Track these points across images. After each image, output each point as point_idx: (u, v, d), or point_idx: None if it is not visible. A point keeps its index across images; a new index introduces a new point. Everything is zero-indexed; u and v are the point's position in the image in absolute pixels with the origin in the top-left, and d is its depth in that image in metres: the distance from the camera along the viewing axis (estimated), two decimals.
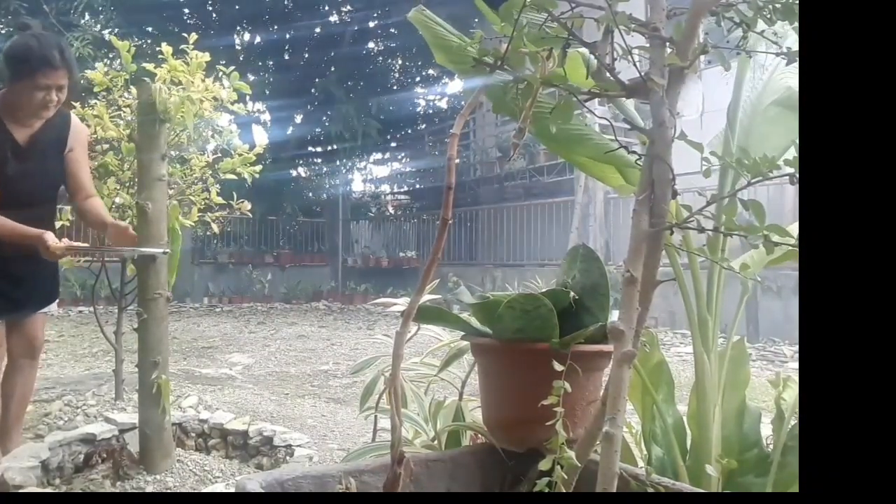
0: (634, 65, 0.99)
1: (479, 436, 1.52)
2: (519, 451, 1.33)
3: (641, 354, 1.51)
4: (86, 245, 2.41)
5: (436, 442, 1.66)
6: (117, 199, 3.30)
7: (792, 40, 1.27)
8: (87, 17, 12.01)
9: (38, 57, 2.34)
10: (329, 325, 9.69)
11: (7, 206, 2.34)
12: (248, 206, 3.39)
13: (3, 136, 2.41)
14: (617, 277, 1.24)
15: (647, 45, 0.98)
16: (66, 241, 2.36)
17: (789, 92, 1.54)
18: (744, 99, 1.61)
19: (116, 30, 11.24)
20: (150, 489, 2.16)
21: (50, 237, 2.28)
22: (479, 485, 1.34)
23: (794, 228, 0.96)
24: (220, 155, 3.31)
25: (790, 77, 1.56)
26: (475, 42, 1.07)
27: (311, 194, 15.89)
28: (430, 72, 16.13)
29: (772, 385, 1.62)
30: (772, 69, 1.61)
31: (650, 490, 1.16)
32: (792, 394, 1.59)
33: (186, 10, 13.45)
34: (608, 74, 1.00)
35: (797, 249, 0.85)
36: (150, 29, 12.45)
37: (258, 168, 3.30)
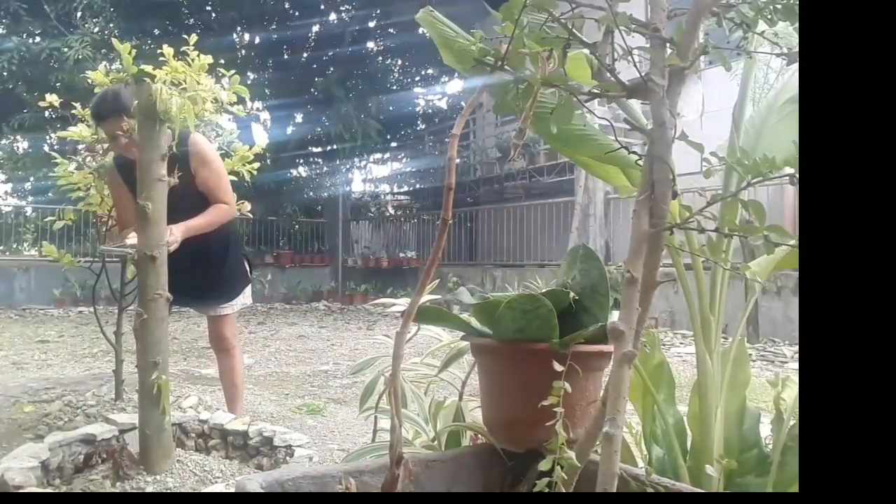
0: (635, 65, 0.99)
1: (480, 436, 1.51)
2: (519, 451, 1.33)
3: (642, 355, 1.51)
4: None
5: (436, 442, 1.65)
6: None
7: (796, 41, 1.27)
8: (87, 18, 12.03)
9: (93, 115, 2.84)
10: (329, 325, 9.69)
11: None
12: (248, 206, 3.38)
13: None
14: (617, 278, 1.24)
15: (648, 45, 0.98)
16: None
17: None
18: (757, 99, 1.61)
19: (117, 31, 11.26)
20: (150, 489, 2.16)
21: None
22: (479, 485, 1.34)
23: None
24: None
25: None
26: (476, 42, 1.07)
27: (311, 194, 15.89)
28: (430, 71, 16.13)
29: (770, 385, 1.62)
30: (779, 68, 1.61)
31: (650, 490, 1.16)
32: (791, 394, 1.58)
33: (186, 11, 13.45)
34: (609, 75, 1.00)
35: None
36: (148, 29, 12.44)
37: (256, 165, 3.30)
